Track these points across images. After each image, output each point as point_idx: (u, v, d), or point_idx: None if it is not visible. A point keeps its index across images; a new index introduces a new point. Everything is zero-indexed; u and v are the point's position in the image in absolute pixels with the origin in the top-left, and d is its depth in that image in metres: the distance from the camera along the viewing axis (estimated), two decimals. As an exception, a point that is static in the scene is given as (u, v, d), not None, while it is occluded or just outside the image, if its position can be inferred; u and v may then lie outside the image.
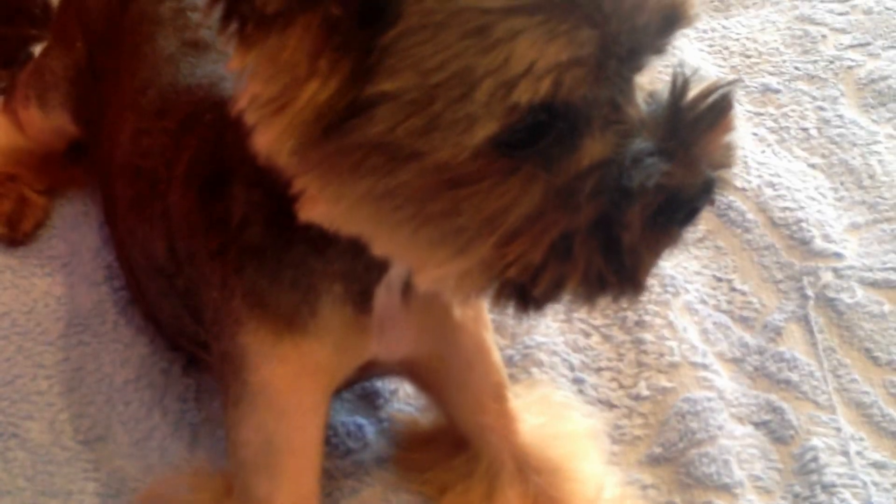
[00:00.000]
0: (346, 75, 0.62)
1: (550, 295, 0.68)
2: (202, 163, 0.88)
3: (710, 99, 0.68)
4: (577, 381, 1.09)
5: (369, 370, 0.97)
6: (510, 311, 0.70)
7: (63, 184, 1.32)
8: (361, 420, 1.07)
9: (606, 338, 1.13)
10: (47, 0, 1.42)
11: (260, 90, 0.64)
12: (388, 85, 0.62)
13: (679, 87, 0.67)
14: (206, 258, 0.87)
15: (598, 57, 0.61)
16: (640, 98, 0.66)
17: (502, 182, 0.64)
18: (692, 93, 0.67)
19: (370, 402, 1.08)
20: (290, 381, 0.88)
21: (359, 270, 0.80)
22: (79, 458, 1.06)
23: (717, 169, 0.68)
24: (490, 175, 0.64)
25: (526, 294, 0.69)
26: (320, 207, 0.70)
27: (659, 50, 0.67)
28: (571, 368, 1.10)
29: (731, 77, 0.70)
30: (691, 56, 1.45)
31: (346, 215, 0.69)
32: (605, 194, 0.65)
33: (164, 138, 0.99)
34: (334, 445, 1.04)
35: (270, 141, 0.65)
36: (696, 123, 0.67)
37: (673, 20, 0.66)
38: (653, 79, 0.68)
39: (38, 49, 1.37)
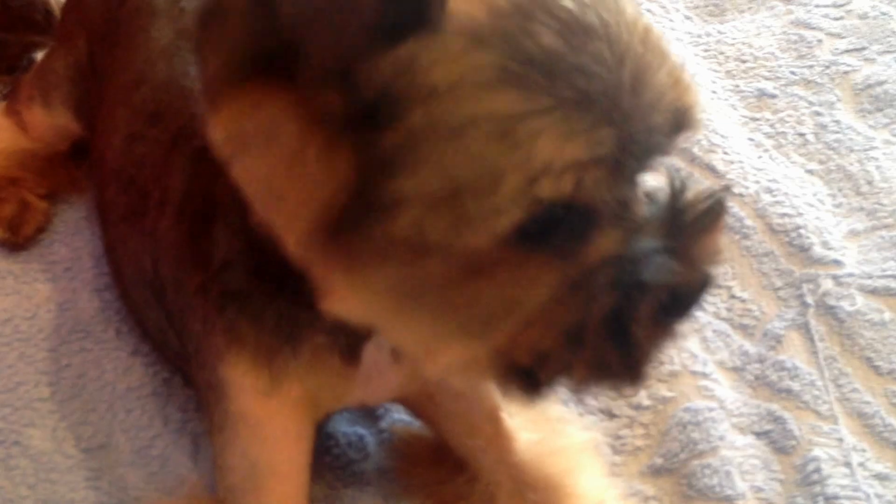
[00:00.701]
0: (351, 170, 0.61)
1: (555, 380, 0.69)
2: (194, 195, 0.84)
3: (706, 203, 0.68)
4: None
5: (357, 406, 0.97)
6: (513, 393, 0.70)
7: (65, 188, 1.28)
8: (362, 431, 1.03)
9: (607, 346, 1.09)
10: (49, 7, 1.39)
11: (254, 168, 0.64)
12: (411, 182, 0.61)
13: (678, 189, 0.67)
14: (190, 291, 0.85)
15: (616, 156, 0.60)
16: (641, 195, 0.66)
17: (520, 271, 0.63)
18: (688, 196, 0.67)
19: (370, 412, 1.04)
20: (271, 413, 0.86)
21: (348, 327, 0.74)
22: (81, 467, 1.01)
23: (711, 266, 0.69)
24: (508, 264, 0.63)
25: (531, 378, 0.69)
26: (340, 294, 0.68)
27: (667, 151, 0.65)
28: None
29: (723, 184, 0.74)
30: (686, 61, 1.40)
31: (365, 304, 0.68)
32: (619, 288, 0.65)
33: (157, 150, 0.96)
34: (335, 456, 1.00)
35: (282, 226, 0.65)
36: (694, 225, 0.67)
37: (682, 123, 0.65)
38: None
39: (40, 55, 1.33)
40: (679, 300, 0.67)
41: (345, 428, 1.03)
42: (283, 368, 0.82)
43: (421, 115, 0.60)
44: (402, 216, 0.61)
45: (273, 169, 0.62)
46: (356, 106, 0.60)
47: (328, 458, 1.00)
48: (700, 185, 0.71)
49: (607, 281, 0.65)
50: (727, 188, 0.72)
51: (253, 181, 0.64)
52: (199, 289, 0.83)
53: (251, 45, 0.59)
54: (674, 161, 0.72)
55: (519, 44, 0.60)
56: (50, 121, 1.23)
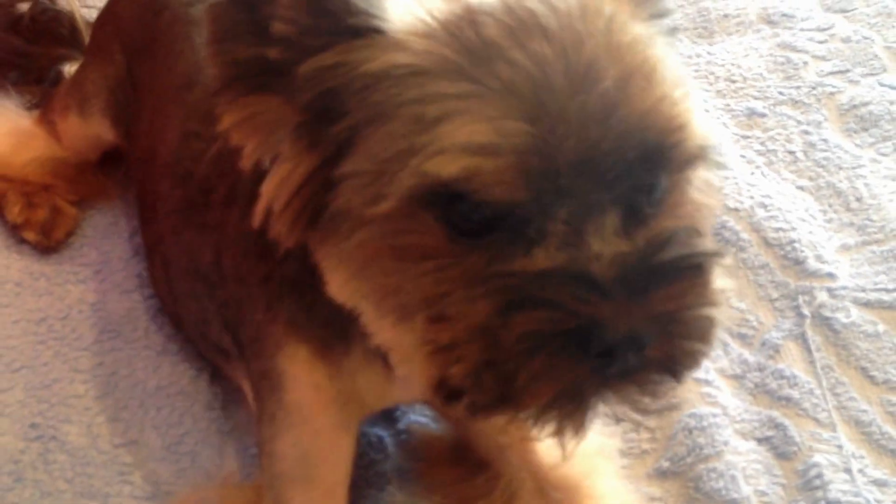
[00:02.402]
0: (316, 161, 0.63)
1: (466, 385, 0.61)
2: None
3: (683, 262, 0.59)
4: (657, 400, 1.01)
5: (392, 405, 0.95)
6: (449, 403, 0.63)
7: (95, 194, 1.24)
8: (381, 432, 0.99)
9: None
10: (75, 21, 1.35)
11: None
12: (349, 166, 0.62)
13: (657, 241, 0.59)
14: (255, 282, 0.82)
15: (528, 154, 0.55)
16: (620, 242, 0.58)
17: (448, 264, 0.60)
18: (671, 252, 0.59)
19: (388, 413, 1.00)
20: (324, 405, 0.83)
21: None
22: (115, 462, 0.98)
23: (675, 336, 0.59)
24: (438, 256, 0.60)
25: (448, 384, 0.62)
26: (329, 284, 0.68)
27: (640, 187, 0.59)
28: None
29: (715, 248, 0.62)
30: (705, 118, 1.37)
31: (341, 287, 0.67)
32: (503, 295, 0.58)
33: (216, 148, 0.92)
34: (357, 456, 0.96)
35: (281, 232, 0.67)
36: (655, 277, 0.58)
37: (657, 161, 0.59)
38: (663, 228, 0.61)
39: (66, 67, 1.30)
40: (586, 335, 0.56)
41: (365, 428, 0.99)
42: (337, 364, 0.80)
43: (358, 105, 0.61)
44: (342, 193, 0.62)
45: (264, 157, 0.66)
46: (306, 106, 0.63)
47: (351, 458, 0.96)
48: (703, 243, 0.61)
49: (499, 286, 0.58)
50: (718, 253, 0.62)
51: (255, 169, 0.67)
52: (263, 279, 0.81)
53: (244, 66, 0.64)
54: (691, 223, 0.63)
55: (461, 34, 0.58)
56: (85, 130, 1.19)
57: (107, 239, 1.20)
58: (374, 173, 0.60)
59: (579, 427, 0.62)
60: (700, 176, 0.65)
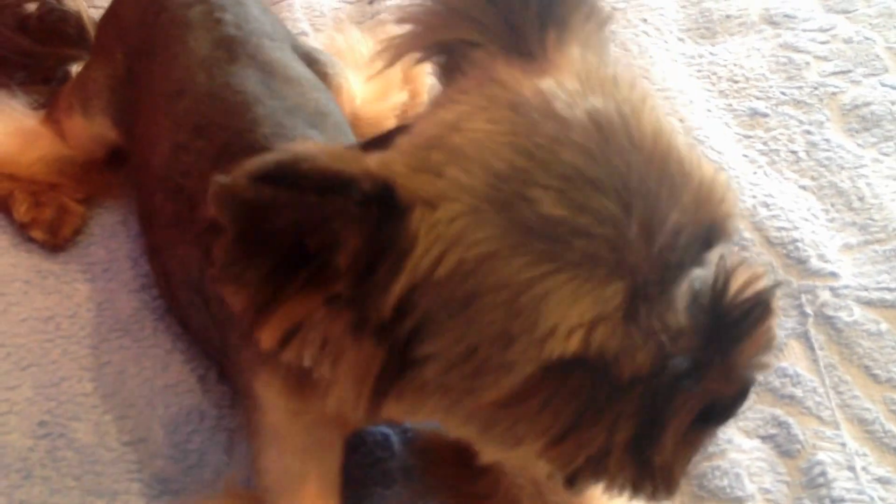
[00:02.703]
0: (385, 351, 0.61)
1: (589, 485, 0.66)
2: None
3: (751, 302, 0.62)
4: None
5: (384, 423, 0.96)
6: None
7: (102, 193, 1.24)
8: (387, 430, 0.99)
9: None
10: (82, 21, 1.34)
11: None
12: (430, 348, 0.61)
13: (720, 288, 0.61)
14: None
15: (626, 306, 0.57)
16: (682, 294, 0.60)
17: (550, 398, 0.61)
18: (733, 289, 0.61)
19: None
20: (301, 428, 0.84)
21: None
22: (123, 459, 0.98)
23: (756, 363, 0.64)
24: (539, 393, 0.61)
25: (570, 480, 0.66)
26: (398, 415, 0.71)
27: (699, 265, 0.61)
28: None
29: (775, 280, 0.69)
30: (681, 81, 1.37)
31: (421, 420, 0.72)
32: (641, 416, 0.61)
33: (202, 162, 0.93)
34: (362, 454, 0.97)
35: (343, 402, 0.66)
36: (735, 328, 0.62)
37: (710, 241, 0.62)
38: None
39: (73, 67, 1.29)
40: (711, 413, 0.62)
41: (370, 427, 0.99)
42: (314, 392, 0.78)
43: (431, 300, 0.59)
44: (427, 370, 0.61)
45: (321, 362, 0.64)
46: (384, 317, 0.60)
47: (356, 457, 0.96)
48: (750, 270, 0.63)
49: (632, 407, 0.61)
50: (779, 283, 0.65)
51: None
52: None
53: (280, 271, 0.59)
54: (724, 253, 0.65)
55: (517, 214, 0.57)
56: (89, 129, 1.19)
57: (114, 237, 1.19)
58: (465, 353, 0.60)
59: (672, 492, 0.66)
60: None
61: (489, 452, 0.69)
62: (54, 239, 1.18)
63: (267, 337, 0.62)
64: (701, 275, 0.61)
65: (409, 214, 0.58)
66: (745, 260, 0.65)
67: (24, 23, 1.34)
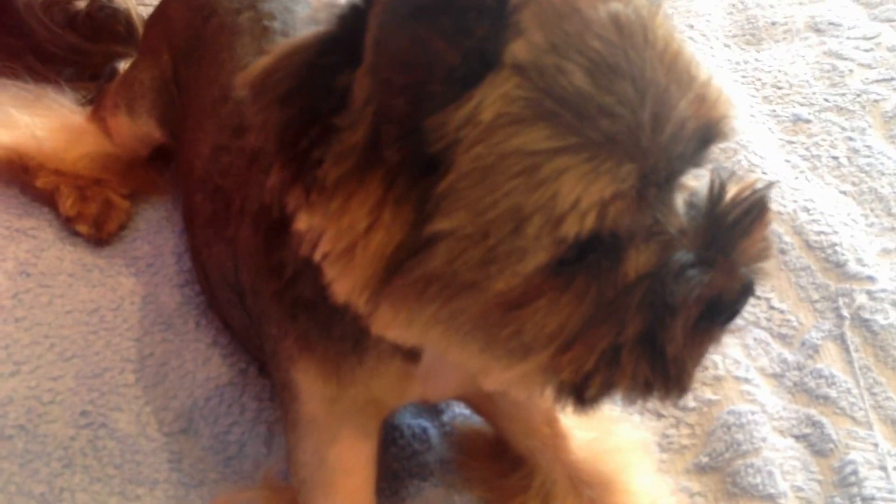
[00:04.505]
0: (408, 223, 0.61)
1: (602, 396, 0.67)
2: (270, 207, 0.83)
3: (747, 203, 0.67)
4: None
5: (419, 401, 0.97)
6: (566, 405, 0.69)
7: (146, 189, 1.29)
8: (425, 423, 1.03)
9: (655, 350, 1.08)
10: (131, 19, 1.39)
11: (329, 248, 0.64)
12: (446, 224, 0.61)
13: (716, 193, 0.66)
14: (268, 297, 0.85)
15: (637, 188, 0.60)
16: (679, 203, 0.65)
17: (557, 298, 0.63)
18: (729, 196, 0.67)
19: (432, 406, 1.04)
20: (339, 416, 0.87)
21: None
22: (164, 449, 1.02)
23: (755, 265, 0.68)
24: (545, 293, 0.63)
25: (581, 394, 0.67)
26: (393, 330, 0.68)
27: (697, 164, 0.66)
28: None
29: (767, 181, 0.70)
30: (728, 85, 1.40)
31: (417, 336, 0.69)
32: (649, 308, 0.64)
33: (240, 160, 0.96)
34: (400, 447, 1.01)
35: (347, 292, 0.65)
36: (733, 229, 0.67)
37: (708, 138, 0.65)
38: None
39: (121, 64, 1.34)
40: (717, 308, 0.65)
41: (409, 420, 1.03)
42: (350, 375, 0.82)
43: (465, 160, 0.60)
44: (437, 254, 0.61)
45: (350, 244, 0.63)
46: (422, 161, 0.60)
47: (394, 449, 1.00)
48: (742, 181, 0.69)
49: (639, 301, 0.64)
50: (770, 184, 0.70)
51: (324, 249, 0.65)
52: (275, 296, 0.83)
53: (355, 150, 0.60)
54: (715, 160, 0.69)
55: (554, 81, 0.60)
56: (134, 128, 1.23)
57: (159, 233, 1.25)
58: (478, 235, 0.60)
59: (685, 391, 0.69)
60: None
61: (493, 374, 0.69)
62: (99, 233, 1.23)
63: (311, 216, 0.63)
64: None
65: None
66: (737, 172, 0.69)
67: (73, 19, 1.39)
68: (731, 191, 0.67)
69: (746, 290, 0.67)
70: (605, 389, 0.66)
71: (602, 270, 0.63)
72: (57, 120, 1.28)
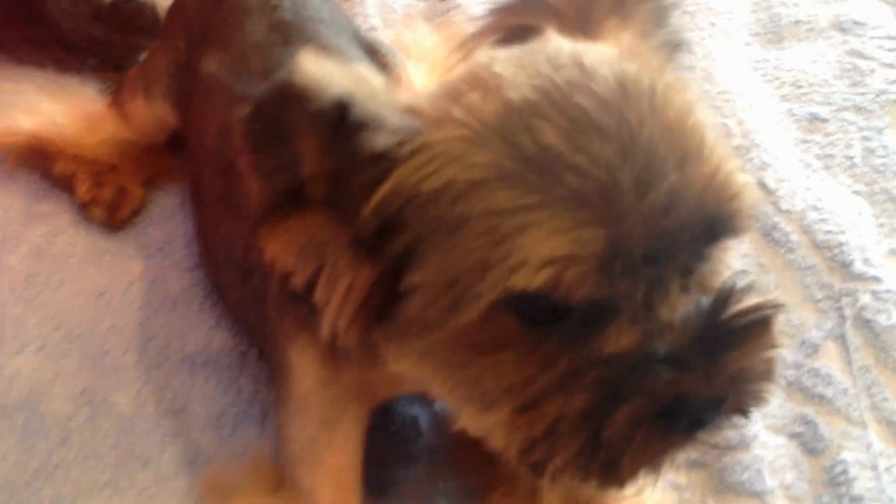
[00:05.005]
0: (376, 272, 0.65)
1: (545, 465, 0.66)
2: None
3: (751, 317, 0.63)
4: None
5: (414, 393, 0.98)
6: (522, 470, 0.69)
7: (161, 176, 1.31)
8: (418, 411, 1.03)
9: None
10: (156, 11, 1.41)
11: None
12: (417, 278, 0.63)
13: (721, 298, 0.63)
14: (274, 279, 0.85)
15: (606, 256, 0.58)
16: (681, 298, 0.62)
17: (524, 356, 0.63)
18: (736, 307, 0.63)
19: (424, 395, 1.04)
20: (330, 398, 0.88)
21: None
22: (158, 428, 1.04)
23: (748, 385, 0.64)
24: (512, 347, 0.63)
25: (527, 459, 0.67)
26: (393, 363, 0.72)
27: (703, 258, 0.63)
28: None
29: (777, 301, 0.66)
30: (743, 84, 1.39)
31: (409, 369, 0.70)
32: (600, 388, 0.62)
33: None
34: (391, 434, 1.02)
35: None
36: (726, 338, 0.63)
37: (716, 231, 0.63)
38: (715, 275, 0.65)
39: (145, 55, 1.35)
40: (678, 411, 0.62)
41: (402, 408, 1.04)
42: (345, 361, 0.83)
43: (419, 220, 0.62)
44: (412, 304, 0.64)
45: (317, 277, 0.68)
46: (368, 230, 0.64)
47: (384, 436, 1.01)
48: (755, 296, 0.64)
49: (595, 378, 0.62)
50: (779, 306, 0.66)
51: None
52: (282, 279, 0.85)
53: (294, 182, 0.64)
54: (736, 268, 0.66)
55: (517, 142, 0.60)
56: (150, 112, 1.25)
57: (172, 219, 1.26)
58: (446, 284, 0.62)
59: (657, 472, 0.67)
60: None
61: (466, 418, 0.70)
62: (112, 218, 1.25)
63: (273, 245, 0.67)
64: (704, 274, 0.64)
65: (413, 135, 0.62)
66: (755, 283, 0.66)
67: (100, 11, 1.41)
68: (741, 303, 0.63)
69: (718, 402, 0.62)
70: (547, 458, 0.65)
71: (577, 341, 0.62)
72: (77, 108, 1.31)
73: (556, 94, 0.61)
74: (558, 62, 0.63)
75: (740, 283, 0.64)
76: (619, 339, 0.62)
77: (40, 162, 1.30)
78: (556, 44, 0.66)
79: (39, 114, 1.29)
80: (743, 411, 0.66)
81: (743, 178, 0.63)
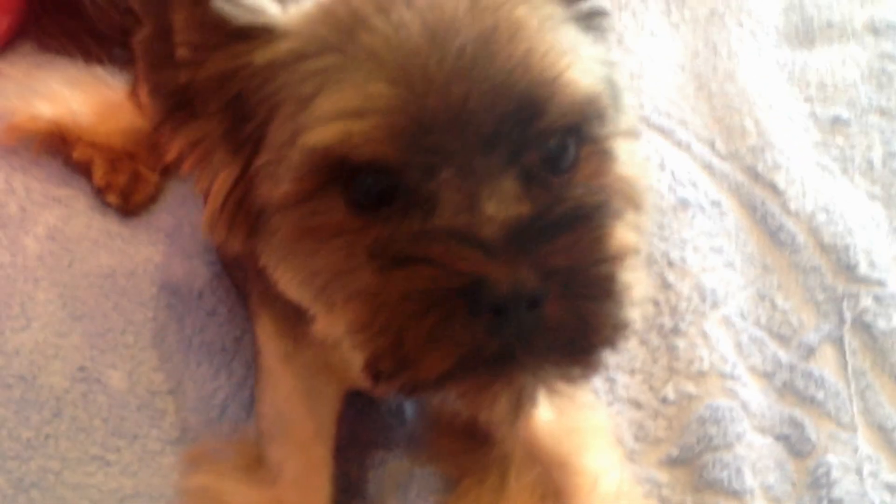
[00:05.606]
0: (240, 164, 0.67)
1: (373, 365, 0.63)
2: None
3: (569, 210, 0.60)
4: (609, 380, 1.04)
5: None
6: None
7: (176, 164, 1.32)
8: (402, 400, 1.04)
9: (643, 342, 1.07)
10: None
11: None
12: (261, 160, 0.65)
13: (559, 203, 0.61)
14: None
15: (394, 113, 0.58)
16: (515, 200, 0.60)
17: (353, 242, 0.62)
18: (564, 207, 0.60)
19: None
20: (293, 373, 0.90)
21: None
22: (149, 406, 1.06)
23: (575, 293, 0.59)
24: (345, 232, 0.63)
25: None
26: (278, 282, 0.71)
27: (533, 150, 0.61)
28: (605, 368, 1.04)
29: (600, 198, 0.63)
30: (764, 84, 1.37)
31: (286, 285, 0.70)
32: (388, 256, 0.60)
33: None
34: (373, 419, 1.02)
35: (207, 224, 0.71)
36: (543, 231, 0.59)
37: (530, 113, 0.60)
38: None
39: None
40: (475, 293, 0.57)
41: (388, 396, 1.04)
42: (305, 337, 0.81)
43: (260, 101, 0.64)
44: (258, 188, 0.66)
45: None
46: (223, 115, 0.66)
47: (367, 421, 1.02)
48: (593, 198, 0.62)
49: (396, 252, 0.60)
50: (604, 203, 0.62)
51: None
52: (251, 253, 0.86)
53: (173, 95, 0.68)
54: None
55: (334, 11, 0.62)
56: None
57: (184, 206, 1.28)
58: (276, 161, 0.64)
59: (516, 405, 0.61)
60: (624, 149, 0.67)
61: (319, 322, 0.68)
62: (126, 204, 1.27)
63: (173, 149, 0.71)
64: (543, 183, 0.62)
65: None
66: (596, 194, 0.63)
67: (127, 3, 1.45)
68: (569, 198, 0.62)
69: (519, 292, 0.57)
70: (371, 352, 0.62)
71: (401, 228, 0.61)
72: (98, 96, 1.34)
73: None
74: None
75: (580, 191, 0.62)
76: (438, 224, 0.60)
77: (61, 148, 1.33)
78: None
79: (60, 101, 1.33)
80: (590, 338, 0.61)
81: (571, 66, 0.61)
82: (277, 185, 0.64)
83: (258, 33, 0.65)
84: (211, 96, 0.66)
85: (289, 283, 0.69)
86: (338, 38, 0.61)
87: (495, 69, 0.59)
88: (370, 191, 0.61)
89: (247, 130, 0.65)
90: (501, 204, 0.59)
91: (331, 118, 0.59)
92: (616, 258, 0.61)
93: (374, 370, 0.62)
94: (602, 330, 0.61)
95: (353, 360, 0.65)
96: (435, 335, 0.58)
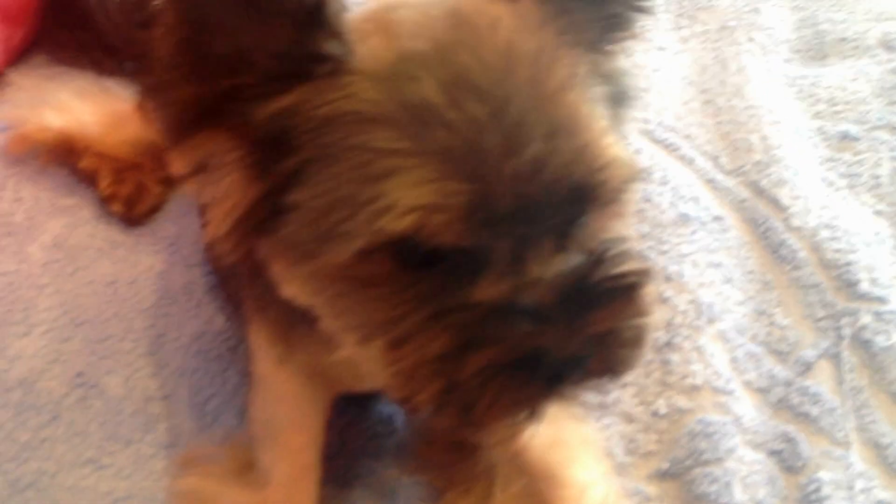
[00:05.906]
0: (264, 188, 0.66)
1: (411, 398, 0.67)
2: None
3: (618, 281, 0.66)
4: (601, 393, 1.03)
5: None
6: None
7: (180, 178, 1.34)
8: (392, 409, 1.04)
9: (637, 355, 1.06)
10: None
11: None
12: (299, 196, 0.65)
13: (592, 260, 0.66)
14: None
15: (470, 209, 0.61)
16: (554, 260, 0.64)
17: (397, 293, 0.65)
18: (606, 270, 0.65)
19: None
20: (284, 378, 0.91)
21: None
22: (144, 412, 1.08)
23: (610, 346, 0.66)
24: (387, 284, 0.65)
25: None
26: (285, 286, 0.73)
27: (577, 222, 0.65)
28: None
29: (645, 265, 0.68)
30: (773, 100, 1.36)
31: (298, 293, 0.72)
32: (459, 333, 0.64)
33: None
34: (363, 429, 1.03)
35: (213, 234, 0.70)
36: (593, 298, 0.65)
37: (585, 198, 0.64)
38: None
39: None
40: (535, 363, 0.63)
41: (376, 405, 1.05)
42: (299, 342, 0.85)
43: (309, 144, 0.64)
44: (292, 221, 0.66)
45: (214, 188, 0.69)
46: (258, 142, 0.65)
47: (356, 430, 1.02)
48: (629, 263, 0.67)
49: (454, 323, 0.64)
50: (647, 269, 0.68)
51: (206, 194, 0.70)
52: (245, 258, 0.87)
53: (190, 106, 0.65)
54: (618, 236, 0.68)
55: (403, 89, 0.62)
56: None
57: (187, 216, 1.30)
58: (323, 209, 0.64)
59: (525, 423, 0.68)
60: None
61: (348, 347, 0.72)
62: (130, 213, 1.29)
63: (180, 160, 0.68)
64: (584, 237, 0.66)
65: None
66: (631, 250, 0.68)
67: (147, 20, 1.47)
68: (612, 267, 0.66)
69: (577, 359, 0.64)
70: (412, 394, 0.67)
71: (447, 287, 0.64)
72: (106, 107, 1.36)
73: (445, 50, 0.63)
74: (457, 19, 0.65)
75: (615, 249, 0.66)
76: (488, 289, 0.64)
77: (69, 158, 1.35)
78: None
79: (70, 112, 1.35)
80: (609, 374, 0.68)
81: (614, 153, 0.64)
82: (324, 240, 0.65)
83: (333, 78, 0.64)
84: (259, 122, 0.65)
85: (304, 299, 0.72)
86: (410, 123, 0.62)
87: (557, 164, 0.62)
88: (418, 250, 0.63)
89: (284, 164, 0.65)
90: (543, 263, 0.64)
91: (407, 209, 0.61)
92: (649, 314, 0.67)
93: (413, 405, 0.68)
94: (627, 368, 0.69)
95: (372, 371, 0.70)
96: (497, 398, 0.64)
